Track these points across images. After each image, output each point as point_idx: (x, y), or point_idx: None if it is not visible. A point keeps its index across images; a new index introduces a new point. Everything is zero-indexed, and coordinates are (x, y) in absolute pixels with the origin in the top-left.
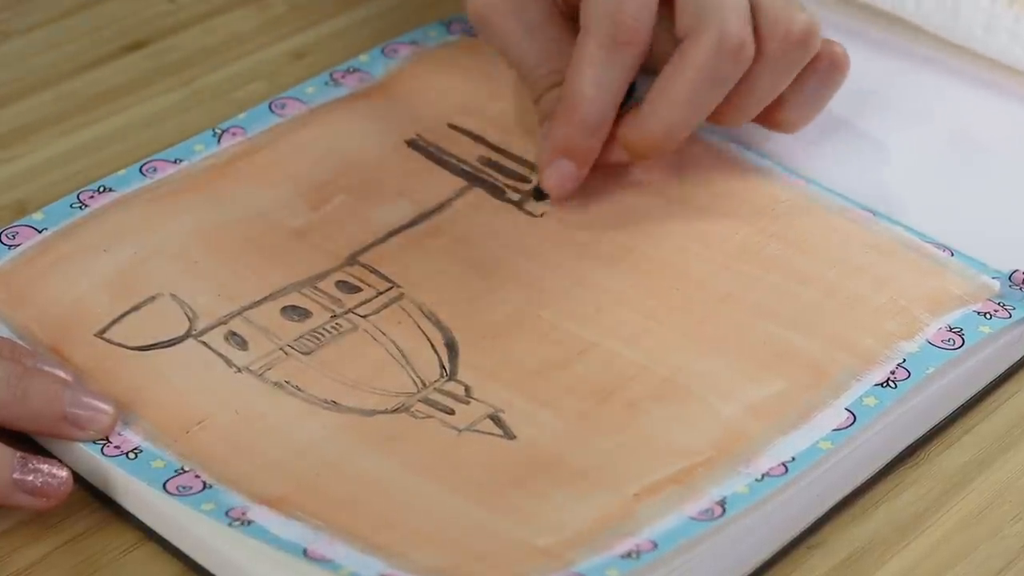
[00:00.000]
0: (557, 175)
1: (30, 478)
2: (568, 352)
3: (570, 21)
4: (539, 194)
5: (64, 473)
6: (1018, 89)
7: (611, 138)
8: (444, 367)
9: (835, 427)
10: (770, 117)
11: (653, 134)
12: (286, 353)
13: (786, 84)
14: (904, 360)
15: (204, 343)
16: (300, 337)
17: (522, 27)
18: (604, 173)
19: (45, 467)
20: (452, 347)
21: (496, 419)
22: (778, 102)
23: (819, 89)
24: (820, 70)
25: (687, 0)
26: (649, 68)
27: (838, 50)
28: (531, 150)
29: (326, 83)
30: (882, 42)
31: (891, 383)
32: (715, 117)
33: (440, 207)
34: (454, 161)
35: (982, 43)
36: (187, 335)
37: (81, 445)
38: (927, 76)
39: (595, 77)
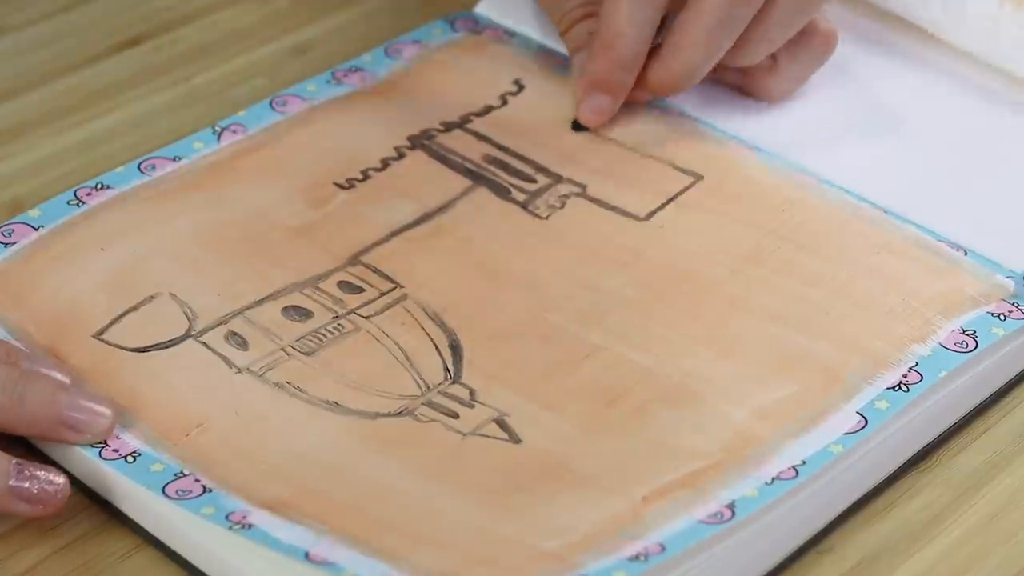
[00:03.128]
0: (593, 107)
1: (26, 485)
2: (574, 355)
3: None
4: (577, 126)
5: (61, 480)
6: None
7: (639, 76)
8: (448, 370)
9: (846, 431)
10: (760, 84)
11: (674, 73)
12: (287, 354)
13: (797, 28)
14: (916, 364)
15: (204, 343)
16: (302, 337)
17: None
18: (606, 174)
19: (42, 474)
20: (456, 349)
21: (501, 423)
22: (772, 70)
23: (809, 63)
24: (814, 45)
25: None
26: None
27: (832, 28)
28: (535, 150)
29: (328, 81)
30: (894, 42)
31: (903, 386)
32: (727, 55)
33: (444, 207)
34: (458, 160)
35: (986, 51)
36: (186, 335)
37: (79, 448)
38: (938, 74)
39: (630, 14)
